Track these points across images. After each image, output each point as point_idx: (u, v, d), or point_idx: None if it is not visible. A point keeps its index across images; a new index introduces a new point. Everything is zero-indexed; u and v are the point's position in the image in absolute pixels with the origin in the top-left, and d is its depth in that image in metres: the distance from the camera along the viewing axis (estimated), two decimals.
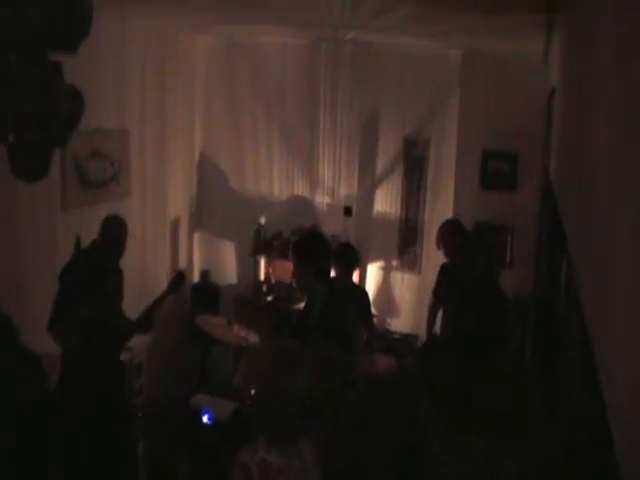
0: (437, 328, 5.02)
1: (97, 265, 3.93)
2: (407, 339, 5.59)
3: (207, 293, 6.05)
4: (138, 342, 4.55)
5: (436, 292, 4.97)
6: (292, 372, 2.20)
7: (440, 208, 5.54)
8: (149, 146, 5.54)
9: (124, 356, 4.33)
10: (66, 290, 3.81)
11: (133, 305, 4.20)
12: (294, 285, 4.30)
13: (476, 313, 4.27)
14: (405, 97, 5.55)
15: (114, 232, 3.99)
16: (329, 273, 3.99)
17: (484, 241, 5.01)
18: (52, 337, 3.79)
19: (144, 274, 5.38)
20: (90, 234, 4.01)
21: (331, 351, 3.03)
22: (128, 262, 4.87)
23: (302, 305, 4.30)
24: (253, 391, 2.28)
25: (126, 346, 4.22)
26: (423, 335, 5.18)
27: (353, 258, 4.72)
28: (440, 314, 4.98)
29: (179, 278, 4.32)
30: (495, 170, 5.26)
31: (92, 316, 3.79)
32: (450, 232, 4.78)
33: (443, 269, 4.93)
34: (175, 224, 6.07)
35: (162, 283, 4.44)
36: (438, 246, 4.86)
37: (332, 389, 2.62)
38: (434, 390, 2.85)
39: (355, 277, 5.26)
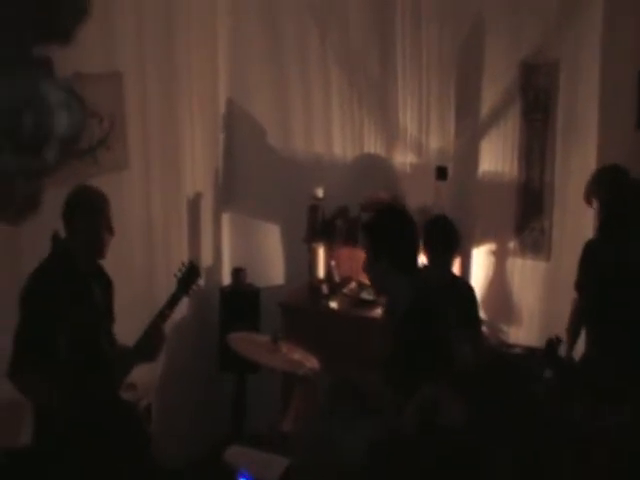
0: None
1: (74, 273, 3.94)
2: (533, 355, 5.40)
3: (242, 300, 6.10)
4: (143, 375, 4.57)
5: (580, 284, 4.90)
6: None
7: (577, 163, 5.45)
8: (153, 94, 5.55)
9: (126, 397, 4.36)
10: (35, 316, 3.81)
11: (134, 328, 4.21)
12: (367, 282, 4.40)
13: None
14: (519, 2, 5.43)
15: (89, 214, 3.96)
16: (415, 263, 4.00)
17: None
18: (17, 387, 3.83)
19: (151, 280, 5.45)
20: None
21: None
22: (127, 263, 4.82)
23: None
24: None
25: (126, 383, 4.23)
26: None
27: (452, 239, 4.83)
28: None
29: (191, 272, 4.36)
30: None
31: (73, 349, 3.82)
32: (612, 182, 4.77)
33: (589, 248, 4.85)
34: (194, 204, 6.11)
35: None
36: (589, 202, 4.85)
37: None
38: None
39: (455, 266, 5.28)
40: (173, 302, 4.24)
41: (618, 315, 4.55)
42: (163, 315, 4.18)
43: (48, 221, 4.17)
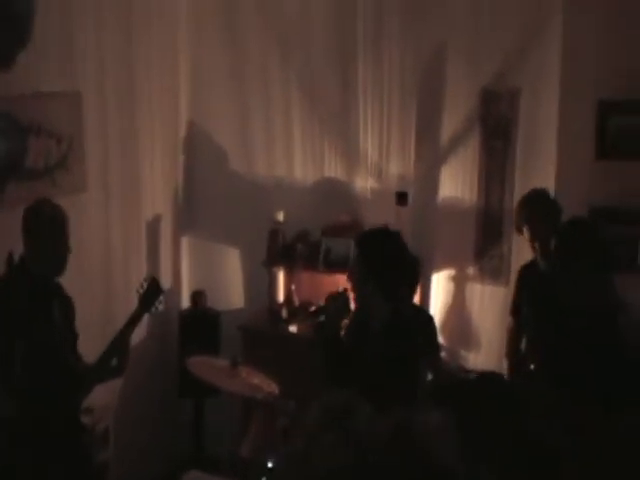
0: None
1: (33, 289, 3.88)
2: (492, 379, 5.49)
3: (202, 323, 6.06)
4: (102, 399, 4.51)
5: (515, 310, 5.01)
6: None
7: None
8: (112, 115, 5.51)
9: (83, 419, 4.29)
10: None
11: (92, 349, 4.18)
12: (349, 296, 4.36)
13: (582, 343, 4.18)
14: (482, 29, 5.45)
15: (45, 227, 3.91)
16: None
17: (595, 232, 4.85)
18: None
19: (109, 303, 5.42)
20: None
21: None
22: (86, 285, 4.79)
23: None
24: (270, 464, 2.40)
25: (83, 407, 4.18)
26: None
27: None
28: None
29: (153, 288, 4.31)
30: (620, 129, 5.16)
31: (31, 368, 3.75)
32: (539, 208, 4.79)
33: (525, 273, 4.95)
34: (153, 227, 6.09)
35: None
36: (519, 230, 4.90)
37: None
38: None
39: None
40: (135, 319, 4.21)
41: (555, 337, 4.49)
42: (125, 332, 4.15)
43: (2, 243, 4.14)
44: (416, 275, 4.77)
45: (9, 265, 4.00)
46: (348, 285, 4.24)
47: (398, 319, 4.04)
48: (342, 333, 4.29)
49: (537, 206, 4.83)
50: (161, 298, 4.36)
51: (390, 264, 3.99)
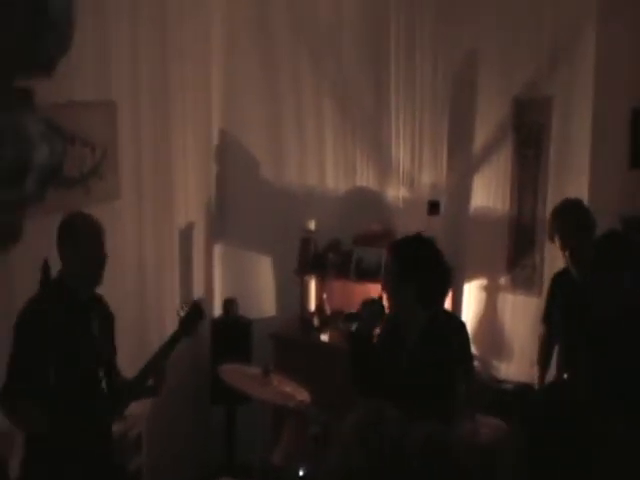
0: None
1: (70, 303, 3.85)
2: (523, 391, 5.47)
3: (234, 331, 6.05)
4: (134, 406, 4.47)
5: (547, 317, 5.00)
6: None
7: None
8: (146, 124, 5.53)
9: (116, 427, 4.28)
10: (25, 346, 3.75)
11: (126, 357, 4.19)
12: (383, 305, 4.30)
13: (614, 354, 4.14)
14: (514, 38, 5.44)
15: (81, 240, 3.87)
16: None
17: (629, 244, 4.82)
18: (6, 415, 3.81)
19: (143, 310, 5.42)
20: None
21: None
22: (119, 292, 4.81)
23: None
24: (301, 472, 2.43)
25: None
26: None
27: (446, 273, 4.67)
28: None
29: (195, 312, 4.24)
30: None
31: (67, 382, 3.74)
32: (569, 219, 4.76)
33: (557, 281, 4.93)
34: (186, 235, 6.09)
35: (169, 321, 4.36)
36: (551, 238, 4.88)
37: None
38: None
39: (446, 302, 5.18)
40: (174, 341, 4.13)
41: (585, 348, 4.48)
42: (163, 354, 4.09)
43: (35, 251, 4.10)
44: (449, 281, 4.76)
45: (44, 272, 4.02)
46: (382, 294, 4.23)
47: (435, 325, 4.02)
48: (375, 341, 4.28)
49: (568, 217, 4.80)
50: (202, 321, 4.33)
51: (427, 269, 3.97)
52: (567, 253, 4.76)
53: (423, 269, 3.95)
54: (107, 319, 4.10)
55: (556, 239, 4.83)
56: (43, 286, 3.95)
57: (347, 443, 2.62)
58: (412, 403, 3.48)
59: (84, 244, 3.88)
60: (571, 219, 4.77)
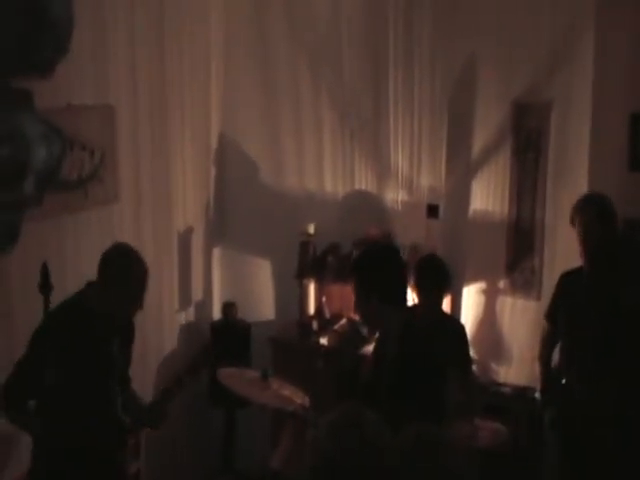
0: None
1: (92, 325, 3.78)
2: (523, 394, 5.54)
3: (233, 335, 6.05)
4: None
5: (551, 315, 4.95)
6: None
7: (568, 203, 5.27)
8: (145, 128, 5.52)
9: None
10: (33, 355, 3.72)
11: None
12: (357, 319, 4.27)
13: (622, 354, 4.18)
14: (513, 42, 5.44)
15: (126, 282, 3.77)
16: (405, 299, 3.99)
17: (629, 246, 4.86)
18: (8, 419, 3.81)
19: (141, 313, 5.27)
20: (61, 260, 3.88)
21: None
22: None
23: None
24: None
25: None
26: None
27: (442, 278, 4.80)
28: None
29: (205, 356, 4.27)
30: None
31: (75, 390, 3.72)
32: (587, 215, 4.69)
33: (566, 280, 4.87)
34: (185, 238, 6.08)
35: (167, 325, 4.35)
36: (572, 223, 4.81)
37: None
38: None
39: (445, 305, 5.28)
40: (179, 383, 4.12)
41: (590, 343, 4.49)
42: (170, 393, 4.09)
43: (34, 254, 4.14)
44: (406, 276, 4.54)
45: (43, 276, 4.00)
46: (357, 315, 4.17)
47: (415, 324, 3.93)
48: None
49: (585, 214, 4.75)
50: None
51: (378, 269, 3.85)
52: (582, 249, 4.72)
53: (374, 269, 3.83)
54: (129, 335, 4.06)
55: (576, 232, 4.78)
56: (75, 298, 3.85)
57: (321, 442, 2.60)
58: (398, 404, 3.48)
59: (127, 285, 3.78)
60: (587, 216, 4.72)
